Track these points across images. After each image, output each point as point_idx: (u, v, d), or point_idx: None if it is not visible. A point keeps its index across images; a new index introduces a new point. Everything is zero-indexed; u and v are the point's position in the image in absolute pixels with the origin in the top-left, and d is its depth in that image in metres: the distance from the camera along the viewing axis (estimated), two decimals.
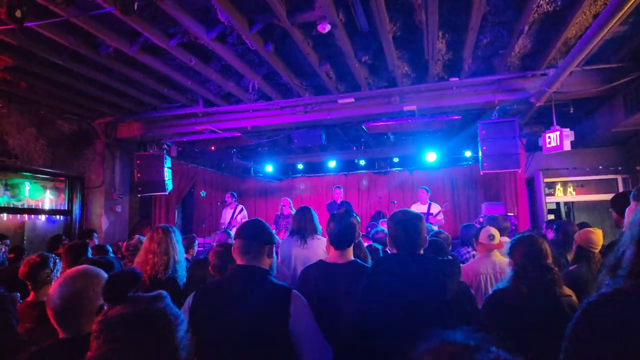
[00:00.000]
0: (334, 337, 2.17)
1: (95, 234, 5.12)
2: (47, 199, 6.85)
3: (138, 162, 6.64)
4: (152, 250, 2.53)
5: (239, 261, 1.91)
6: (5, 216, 6.73)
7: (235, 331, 1.77)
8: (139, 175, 6.61)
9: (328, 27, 3.76)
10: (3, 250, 2.48)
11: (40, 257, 2.47)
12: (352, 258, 2.46)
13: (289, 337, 1.77)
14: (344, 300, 2.19)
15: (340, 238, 2.40)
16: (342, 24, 3.82)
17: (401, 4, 3.68)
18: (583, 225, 3.96)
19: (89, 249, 3.51)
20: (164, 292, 1.03)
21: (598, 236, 3.17)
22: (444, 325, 1.81)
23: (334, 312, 2.25)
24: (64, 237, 4.72)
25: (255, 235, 1.92)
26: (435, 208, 7.07)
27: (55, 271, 2.47)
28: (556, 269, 2.26)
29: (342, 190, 7.20)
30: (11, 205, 6.45)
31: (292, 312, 1.78)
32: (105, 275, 1.46)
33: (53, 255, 2.57)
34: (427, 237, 2.11)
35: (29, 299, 2.39)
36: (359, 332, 1.92)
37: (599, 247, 3.14)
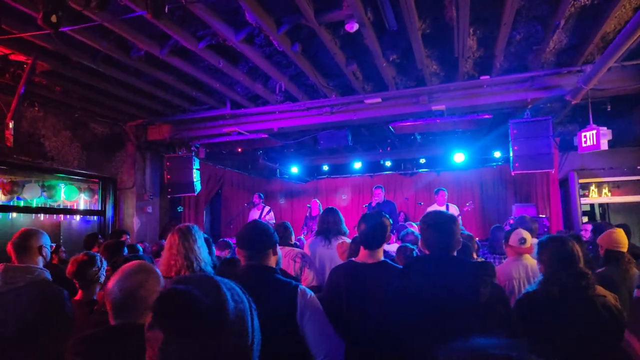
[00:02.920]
0: (362, 337, 2.14)
1: (128, 234, 5.25)
2: (82, 200, 7.09)
3: (168, 163, 6.78)
4: (172, 257, 2.51)
5: (244, 262, 1.97)
6: (42, 216, 7.03)
7: None
8: (168, 176, 6.75)
9: (356, 26, 3.74)
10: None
11: (88, 256, 2.53)
12: (382, 258, 2.43)
13: (298, 331, 1.79)
14: (373, 301, 2.18)
15: (370, 238, 2.38)
16: (370, 22, 3.78)
17: (431, 0, 3.61)
18: (622, 227, 3.80)
19: (125, 248, 3.62)
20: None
21: (621, 235, 3.06)
22: (475, 329, 1.76)
23: (362, 311, 2.23)
24: (99, 236, 4.87)
25: (256, 245, 1.96)
26: (454, 209, 6.88)
27: (102, 269, 2.54)
28: (589, 273, 2.16)
29: (382, 190, 7.05)
30: (48, 206, 6.72)
31: (299, 307, 1.80)
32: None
33: (99, 255, 2.65)
34: (461, 240, 2.06)
35: (77, 297, 2.46)
36: (390, 333, 1.89)
37: (626, 246, 3.03)
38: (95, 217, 7.11)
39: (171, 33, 3.94)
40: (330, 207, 3.65)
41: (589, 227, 5.25)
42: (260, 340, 0.92)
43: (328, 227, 3.47)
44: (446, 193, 6.94)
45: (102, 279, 2.53)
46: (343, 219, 3.55)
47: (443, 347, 0.62)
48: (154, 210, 7.38)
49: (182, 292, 0.78)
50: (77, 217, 7.47)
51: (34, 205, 6.55)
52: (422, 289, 1.87)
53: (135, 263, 1.56)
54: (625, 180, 7.14)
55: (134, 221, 7.02)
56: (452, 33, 4.05)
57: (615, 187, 7.30)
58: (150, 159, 7.37)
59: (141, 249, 4.44)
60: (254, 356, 0.87)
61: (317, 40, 4.16)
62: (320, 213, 3.76)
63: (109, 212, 7.02)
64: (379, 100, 5.62)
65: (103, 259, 2.64)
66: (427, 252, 2.02)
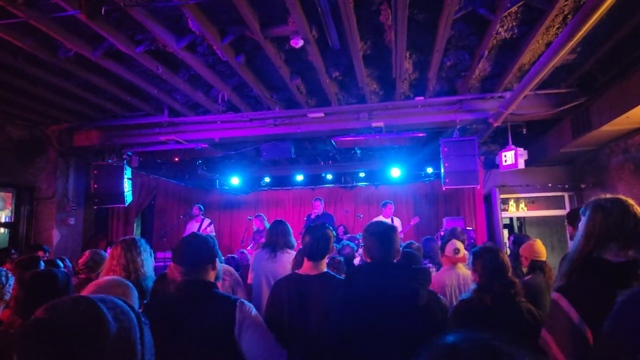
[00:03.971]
0: (304, 349, 2.16)
1: (47, 250, 4.79)
2: None
3: (95, 172, 6.32)
4: (111, 268, 2.40)
5: (180, 278, 1.89)
6: None
7: (183, 345, 1.75)
8: (95, 186, 6.28)
9: (301, 42, 3.81)
10: None
11: None
12: (325, 270, 2.48)
13: (236, 346, 1.77)
14: (315, 311, 2.21)
15: (314, 250, 2.41)
16: (314, 40, 3.88)
17: (372, 23, 3.80)
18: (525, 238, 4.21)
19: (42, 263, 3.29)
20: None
21: (540, 246, 3.41)
22: (415, 331, 1.85)
23: (303, 323, 2.25)
24: (12, 251, 4.39)
25: (193, 260, 1.90)
26: (397, 223, 7.20)
27: (7, 286, 2.28)
28: (517, 281, 2.39)
29: (321, 202, 7.12)
30: None
31: (238, 320, 1.79)
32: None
33: (5, 269, 2.39)
34: (400, 249, 2.18)
35: None
36: (336, 340, 1.94)
37: (545, 256, 3.37)
38: (7, 230, 6.40)
39: (106, 35, 3.73)
40: (279, 219, 3.64)
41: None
42: (153, 356, 0.87)
43: (276, 239, 3.45)
44: (393, 206, 7.23)
45: (7, 296, 2.28)
46: (292, 231, 3.55)
47: (425, 345, 0.65)
48: (76, 222, 6.82)
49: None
50: None
51: None
52: (364, 295, 1.95)
53: (109, 278, 1.48)
54: (539, 196, 7.93)
55: (53, 234, 6.42)
56: (390, 55, 4.27)
57: (531, 202, 8.07)
58: (74, 167, 6.83)
59: (62, 265, 4.08)
60: None
61: (262, 53, 4.17)
62: (267, 226, 3.74)
63: (23, 224, 6.36)
64: (322, 114, 5.75)
65: (9, 275, 2.39)
66: (369, 260, 2.10)
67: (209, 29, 3.65)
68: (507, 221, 8.62)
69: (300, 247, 2.60)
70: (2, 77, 4.62)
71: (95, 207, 6.68)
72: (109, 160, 6.42)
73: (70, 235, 6.71)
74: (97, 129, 6.36)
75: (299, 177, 9.23)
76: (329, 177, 9.32)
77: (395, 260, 2.07)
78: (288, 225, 3.55)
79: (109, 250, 2.73)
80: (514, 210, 8.08)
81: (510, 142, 5.65)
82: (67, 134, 6.50)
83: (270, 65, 4.44)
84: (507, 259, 2.44)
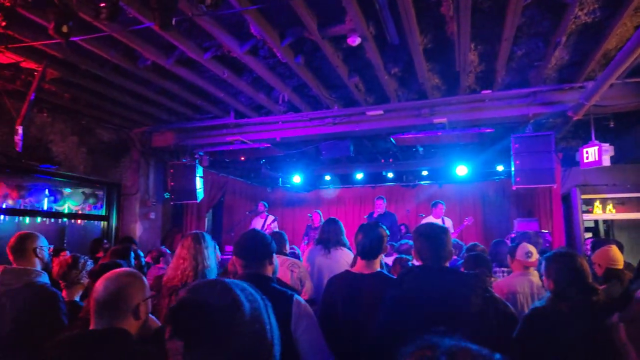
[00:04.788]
0: (355, 347, 2.16)
1: (136, 242, 5.29)
2: (87, 205, 7.16)
3: (171, 170, 6.85)
4: (182, 256, 2.59)
5: (240, 271, 1.98)
6: (47, 220, 7.09)
7: None
8: (172, 183, 6.82)
9: (358, 40, 3.80)
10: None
11: (72, 258, 2.61)
12: (379, 269, 2.46)
13: (292, 341, 1.80)
14: (368, 310, 2.20)
15: (367, 249, 2.41)
16: (372, 36, 3.85)
17: (432, 16, 3.67)
18: (615, 243, 3.78)
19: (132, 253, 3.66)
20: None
21: (617, 252, 3.06)
22: (468, 338, 1.76)
23: (357, 321, 2.26)
24: (105, 241, 4.92)
25: (252, 254, 1.98)
26: (448, 223, 6.86)
27: (83, 272, 2.59)
28: (599, 288, 2.15)
29: (384, 201, 7.03)
30: (53, 210, 6.79)
31: (294, 316, 1.82)
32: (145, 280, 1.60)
33: (85, 257, 2.71)
34: (453, 250, 2.09)
35: None
36: (384, 341, 1.91)
37: (622, 263, 3.02)
38: (99, 222, 7.17)
39: (177, 44, 4.03)
40: (332, 217, 3.69)
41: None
42: (279, 336, 0.92)
43: (328, 237, 3.50)
44: (444, 206, 6.94)
45: (84, 280, 2.58)
46: (344, 230, 3.57)
47: (406, 348, 0.65)
48: (156, 217, 7.43)
49: (193, 301, 0.79)
50: (82, 222, 7.54)
51: (41, 209, 6.62)
52: (414, 299, 1.90)
53: (124, 268, 1.61)
54: (630, 197, 7.10)
55: (136, 227, 7.07)
56: (453, 48, 4.10)
57: (620, 204, 7.25)
58: (154, 166, 7.44)
59: (142, 254, 4.50)
60: (276, 351, 0.88)
61: (320, 52, 4.22)
62: (322, 223, 3.80)
63: (112, 218, 7.08)
64: (381, 112, 5.67)
65: (88, 262, 2.70)
66: (420, 262, 2.05)
67: (269, 32, 3.78)
68: (590, 224, 7.82)
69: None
70: (93, 86, 5.18)
71: (172, 203, 7.23)
72: (183, 160, 6.92)
73: (150, 229, 7.33)
74: (172, 130, 6.88)
75: (359, 176, 9.19)
76: (390, 175, 9.15)
77: (447, 263, 2.00)
78: (341, 224, 3.58)
79: None
80: (600, 212, 7.30)
81: (593, 137, 5.12)
82: (147, 136, 7.11)
83: (328, 64, 4.48)
84: (586, 264, 2.21)
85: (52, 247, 2.66)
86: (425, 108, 5.53)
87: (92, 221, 7.29)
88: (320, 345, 1.89)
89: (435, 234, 1.99)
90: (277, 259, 2.12)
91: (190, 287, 0.89)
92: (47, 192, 6.60)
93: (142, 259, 4.55)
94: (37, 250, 2.47)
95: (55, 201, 6.77)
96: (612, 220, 7.76)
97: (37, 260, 2.46)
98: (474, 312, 1.80)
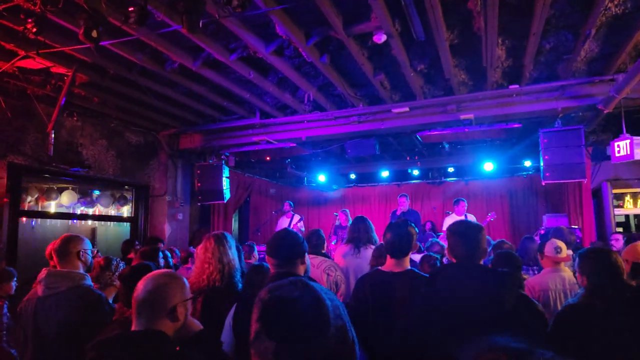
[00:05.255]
0: (388, 345, 2.16)
1: (163, 242, 5.42)
2: (116, 206, 7.38)
3: (198, 172, 6.98)
4: (206, 260, 2.56)
5: (273, 270, 2.00)
6: (78, 222, 7.36)
7: None
8: (199, 184, 6.95)
9: (384, 38, 3.80)
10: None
11: (105, 260, 2.66)
12: (409, 267, 2.45)
13: None
14: (400, 309, 2.19)
15: (396, 247, 2.40)
16: (397, 33, 3.84)
17: (459, 11, 3.64)
18: None
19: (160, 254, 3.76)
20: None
21: None
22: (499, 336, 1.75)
23: (388, 320, 2.25)
24: (136, 242, 5.05)
25: (284, 253, 1.98)
26: (472, 219, 6.75)
27: (116, 274, 2.63)
28: (635, 285, 2.11)
29: (407, 198, 7.01)
30: (83, 212, 7.03)
31: None
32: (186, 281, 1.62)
33: (117, 258, 2.75)
34: (487, 249, 2.07)
35: None
36: (416, 340, 1.91)
37: None
38: (128, 224, 7.37)
39: (204, 46, 4.11)
40: (360, 215, 3.68)
41: (620, 237, 5.08)
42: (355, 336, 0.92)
43: (358, 235, 3.50)
44: (466, 203, 6.86)
45: (117, 282, 2.58)
46: (373, 227, 3.57)
47: (463, 348, 0.65)
48: (184, 218, 7.59)
49: (283, 299, 0.80)
50: (111, 224, 7.77)
51: (71, 211, 6.86)
52: (448, 296, 1.89)
53: (163, 270, 1.63)
54: None
55: (165, 228, 7.22)
56: (480, 43, 4.05)
57: None
58: (181, 167, 7.60)
59: (169, 255, 4.62)
60: (357, 349, 0.88)
61: (345, 51, 4.24)
62: (351, 222, 3.80)
63: (141, 219, 7.25)
64: (407, 109, 5.64)
65: (121, 264, 2.73)
66: (453, 260, 2.04)
67: (294, 32, 3.82)
68: (621, 219, 7.58)
69: (381, 243, 2.60)
70: (121, 89, 5.32)
71: (199, 204, 7.37)
72: (210, 161, 7.05)
73: (179, 229, 7.50)
74: (199, 132, 7.01)
75: (384, 174, 9.15)
76: (415, 172, 9.08)
77: (481, 261, 1.98)
78: (369, 221, 3.57)
79: None
80: (631, 206, 7.07)
81: (625, 131, 4.97)
82: (175, 138, 7.28)
83: (354, 62, 4.49)
84: (621, 261, 2.17)
85: (96, 249, 2.72)
86: (452, 104, 5.48)
87: (121, 223, 7.51)
88: None
89: (470, 231, 1.97)
90: (314, 259, 2.13)
91: (273, 286, 0.89)
92: (77, 194, 6.84)
93: (170, 260, 4.68)
94: (81, 253, 2.49)
95: (85, 203, 7.00)
96: None
97: (80, 263, 2.48)
98: (507, 310, 1.79)
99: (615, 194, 6.98)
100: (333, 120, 6.11)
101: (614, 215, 6.90)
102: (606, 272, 2.11)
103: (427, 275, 2.36)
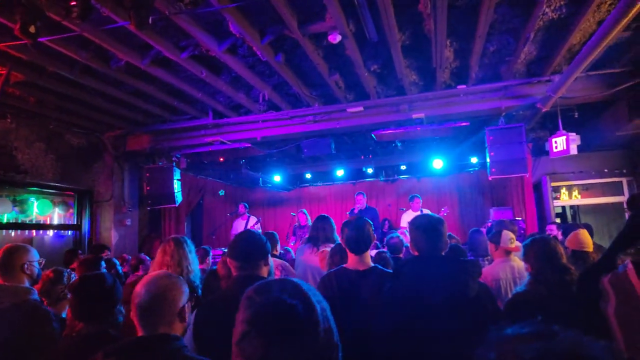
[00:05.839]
0: (358, 343, 2.18)
1: (109, 249, 5.14)
2: (56, 214, 6.87)
3: (147, 174, 6.67)
4: (165, 263, 2.51)
5: (235, 273, 1.96)
6: (13, 232, 6.76)
7: None
8: (148, 188, 6.64)
9: (339, 38, 3.83)
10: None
11: (54, 273, 2.47)
12: (372, 264, 2.47)
13: None
14: (368, 307, 2.20)
15: (355, 242, 2.40)
16: (352, 34, 3.89)
17: (410, 13, 3.75)
18: (585, 227, 3.99)
19: (103, 262, 3.53)
20: None
21: (585, 236, 3.23)
22: (466, 326, 1.82)
23: (357, 319, 2.26)
24: (79, 251, 4.74)
25: (247, 255, 1.95)
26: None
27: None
28: (572, 268, 2.29)
29: (364, 196, 7.10)
30: (19, 221, 6.47)
31: None
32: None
33: (68, 270, 2.57)
34: (448, 241, 2.15)
35: None
36: (389, 335, 1.95)
37: (591, 246, 3.19)
38: (71, 232, 6.90)
39: (153, 43, 3.93)
40: (322, 215, 3.68)
41: (554, 227, 5.50)
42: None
43: (317, 234, 3.50)
44: (421, 200, 7.10)
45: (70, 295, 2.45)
46: (335, 227, 3.57)
47: (439, 342, 0.64)
48: (132, 223, 7.23)
49: (273, 299, 0.79)
50: (51, 232, 7.22)
51: (4, 220, 6.29)
52: (413, 289, 1.94)
53: (160, 271, 1.58)
54: (594, 183, 7.49)
55: (111, 234, 6.85)
56: (430, 44, 4.20)
57: (585, 190, 7.63)
58: (128, 170, 7.23)
59: (118, 263, 4.37)
60: (340, 350, 0.88)
61: (301, 50, 4.23)
62: (311, 222, 3.79)
63: (85, 226, 6.83)
64: (361, 109, 5.74)
65: (73, 275, 2.56)
66: (416, 254, 2.10)
67: (248, 30, 3.75)
68: (559, 210, 8.20)
69: (337, 244, 2.60)
70: (62, 89, 4.97)
71: (148, 208, 7.04)
72: (160, 163, 6.75)
73: (127, 236, 7.12)
74: (148, 133, 6.70)
75: (340, 172, 9.26)
76: (370, 171, 9.27)
77: (443, 253, 2.06)
78: (331, 220, 3.58)
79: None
80: (567, 198, 7.67)
81: (561, 128, 5.37)
82: (121, 140, 6.90)
83: (309, 62, 4.49)
84: (560, 247, 2.36)
85: (43, 260, 2.50)
86: (404, 104, 5.64)
87: (63, 231, 7.01)
88: None
89: (432, 225, 2.04)
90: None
91: (260, 287, 0.87)
92: (12, 202, 6.29)
93: (119, 268, 4.43)
94: (26, 265, 2.31)
95: (21, 212, 6.45)
96: (577, 206, 8.16)
97: (25, 277, 2.29)
98: (472, 297, 1.87)
99: (553, 186, 7.54)
100: (288, 119, 6.08)
101: (553, 206, 7.45)
102: (546, 257, 2.28)
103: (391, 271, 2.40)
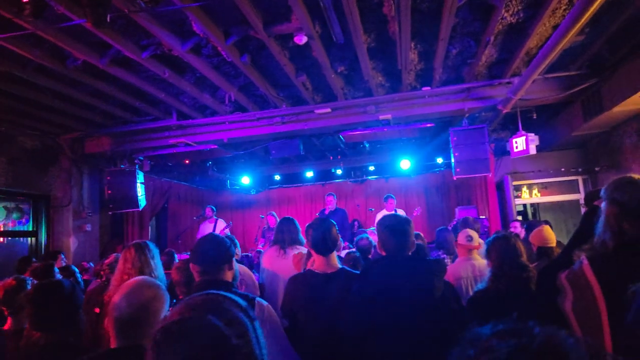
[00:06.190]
0: (325, 345, 2.17)
1: (63, 255, 4.89)
2: (10, 221, 6.48)
3: (108, 178, 6.41)
4: (126, 271, 2.41)
5: (198, 278, 1.89)
6: None
7: None
8: (109, 192, 6.38)
9: (305, 39, 3.81)
10: None
11: (17, 281, 2.34)
12: (340, 266, 2.45)
13: None
14: (336, 310, 2.19)
15: (321, 243, 2.37)
16: (318, 35, 3.88)
17: (375, 16, 3.78)
18: (546, 223, 4.16)
19: (56, 270, 3.35)
20: None
21: (548, 232, 3.36)
22: (433, 325, 1.84)
23: (325, 321, 2.24)
24: (33, 259, 4.49)
25: (209, 259, 1.89)
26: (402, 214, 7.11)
27: None
28: (531, 265, 2.37)
29: (334, 197, 7.08)
30: None
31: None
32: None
33: (31, 278, 2.45)
34: (415, 241, 2.17)
35: (6, 327, 2.23)
36: (357, 336, 1.94)
37: (554, 242, 3.32)
38: (27, 239, 6.53)
39: (112, 42, 3.78)
40: (286, 217, 3.63)
41: (517, 224, 5.71)
42: (267, 355, 0.90)
43: (283, 237, 3.46)
44: (394, 200, 7.19)
45: None
46: (300, 228, 3.54)
47: (407, 341, 0.64)
48: (93, 229, 6.93)
49: (178, 334, 0.77)
50: (5, 240, 6.80)
51: None
52: (380, 289, 1.94)
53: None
54: (552, 182, 7.83)
55: (70, 241, 6.54)
56: (395, 47, 4.25)
57: (544, 188, 7.96)
58: (88, 174, 6.94)
59: (77, 271, 4.16)
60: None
61: (267, 51, 4.18)
62: (277, 223, 3.74)
63: (42, 233, 6.49)
64: (329, 110, 5.75)
65: (35, 283, 2.43)
66: (383, 253, 2.10)
67: (212, 30, 3.67)
68: (520, 208, 8.52)
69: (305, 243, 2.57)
70: (13, 89, 4.69)
71: (110, 213, 6.77)
72: (122, 166, 6.50)
73: (87, 242, 6.82)
74: (108, 135, 6.44)
75: (309, 174, 9.25)
76: (339, 172, 9.32)
77: (410, 252, 2.07)
78: (296, 222, 3.55)
79: None
80: (527, 196, 7.99)
81: (521, 128, 5.58)
82: (79, 142, 6.60)
83: (275, 63, 4.45)
84: (520, 245, 2.42)
85: None
86: (371, 105, 5.70)
87: (18, 238, 6.62)
88: (285, 348, 1.87)
89: (399, 225, 2.04)
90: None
91: (175, 317, 0.83)
92: None
93: (78, 275, 4.21)
94: None
95: None
96: (537, 204, 8.52)
97: None
98: (437, 296, 1.89)
99: (514, 185, 7.82)
100: (256, 121, 6.00)
101: (515, 205, 7.73)
102: (505, 255, 2.34)
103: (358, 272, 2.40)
